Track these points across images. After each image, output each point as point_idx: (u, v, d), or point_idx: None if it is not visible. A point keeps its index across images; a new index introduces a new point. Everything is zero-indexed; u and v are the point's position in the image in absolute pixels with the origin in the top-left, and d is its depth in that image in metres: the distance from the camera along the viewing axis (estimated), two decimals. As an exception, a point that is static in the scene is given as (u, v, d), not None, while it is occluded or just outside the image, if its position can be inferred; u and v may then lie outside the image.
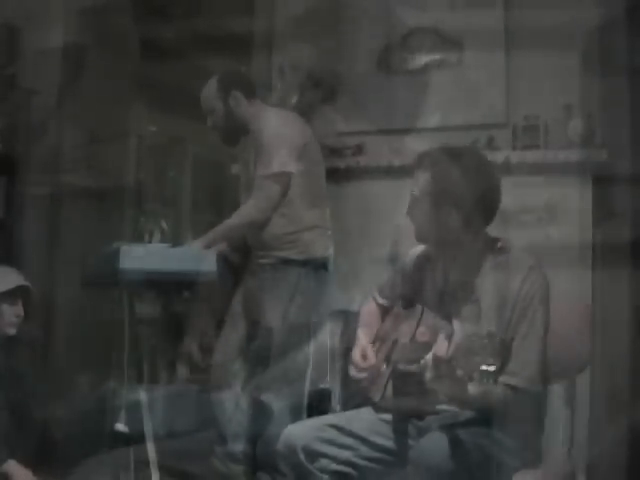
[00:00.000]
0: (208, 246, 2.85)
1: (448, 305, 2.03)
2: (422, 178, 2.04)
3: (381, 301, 2.28)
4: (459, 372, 1.66)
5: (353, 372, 2.13)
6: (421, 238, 2.11)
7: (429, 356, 1.78)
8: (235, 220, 2.94)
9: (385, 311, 2.26)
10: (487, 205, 2.04)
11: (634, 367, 2.66)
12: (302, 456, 1.98)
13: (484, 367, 1.61)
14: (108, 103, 3.61)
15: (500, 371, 1.62)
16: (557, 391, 2.18)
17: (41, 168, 3.45)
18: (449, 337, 1.79)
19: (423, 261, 2.17)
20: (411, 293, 2.14)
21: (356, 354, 2.13)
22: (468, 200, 2.01)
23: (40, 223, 3.43)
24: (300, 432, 2.03)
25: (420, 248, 2.21)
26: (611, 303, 2.87)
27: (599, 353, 2.39)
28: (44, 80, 3.48)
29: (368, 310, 2.30)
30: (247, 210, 2.93)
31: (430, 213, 2.02)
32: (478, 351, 1.63)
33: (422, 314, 2.04)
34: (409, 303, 2.12)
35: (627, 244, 2.77)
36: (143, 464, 2.60)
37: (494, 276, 1.99)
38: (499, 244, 2.04)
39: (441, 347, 1.75)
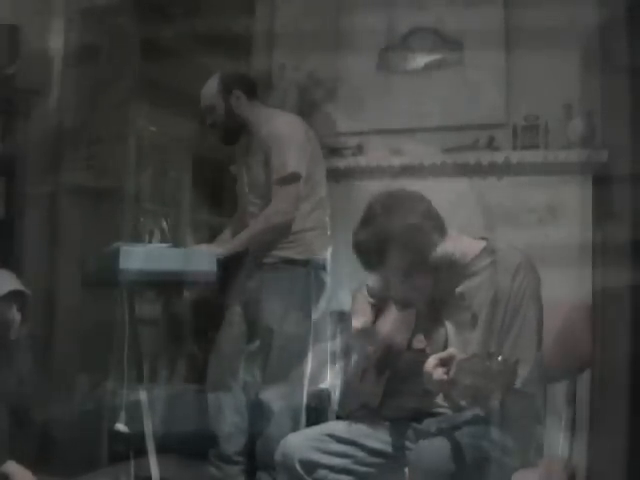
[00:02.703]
0: (234, 252, 2.86)
1: (440, 311, 2.01)
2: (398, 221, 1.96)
3: (371, 300, 2.27)
4: (463, 393, 1.65)
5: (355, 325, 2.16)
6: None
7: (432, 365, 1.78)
8: (259, 226, 2.92)
9: (376, 309, 2.24)
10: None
11: (634, 367, 2.66)
12: (299, 468, 1.98)
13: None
14: (108, 103, 3.61)
15: (505, 394, 1.59)
16: (558, 391, 2.18)
17: (41, 168, 3.45)
18: (444, 347, 1.78)
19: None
20: (401, 297, 2.12)
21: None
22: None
23: (40, 223, 3.43)
24: (296, 444, 2.02)
25: None
26: (611, 303, 2.87)
27: (599, 353, 2.39)
28: (44, 80, 3.48)
29: (359, 305, 2.28)
30: (270, 215, 2.90)
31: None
32: (480, 373, 1.60)
33: (417, 319, 2.03)
34: (404, 306, 2.10)
35: (627, 244, 2.77)
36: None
37: (483, 279, 1.96)
38: (483, 246, 2.01)
39: (440, 368, 1.73)
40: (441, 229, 1.98)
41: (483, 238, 2.04)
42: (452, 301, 2.00)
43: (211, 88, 3.02)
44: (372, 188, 3.37)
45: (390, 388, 2.02)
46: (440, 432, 1.89)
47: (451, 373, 1.68)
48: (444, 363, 1.73)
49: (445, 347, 1.88)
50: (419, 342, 1.89)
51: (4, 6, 3.31)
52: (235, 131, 3.03)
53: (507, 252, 1.98)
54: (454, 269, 1.99)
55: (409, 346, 1.96)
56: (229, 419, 2.95)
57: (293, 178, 2.86)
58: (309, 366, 2.89)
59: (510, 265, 1.93)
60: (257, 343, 2.99)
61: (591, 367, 2.29)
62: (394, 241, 1.91)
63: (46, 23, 3.51)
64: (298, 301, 2.88)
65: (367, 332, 2.18)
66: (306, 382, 2.89)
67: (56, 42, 3.54)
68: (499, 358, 1.61)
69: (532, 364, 1.87)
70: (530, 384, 1.86)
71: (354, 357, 2.22)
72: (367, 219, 1.97)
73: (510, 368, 1.60)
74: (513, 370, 1.60)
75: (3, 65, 3.30)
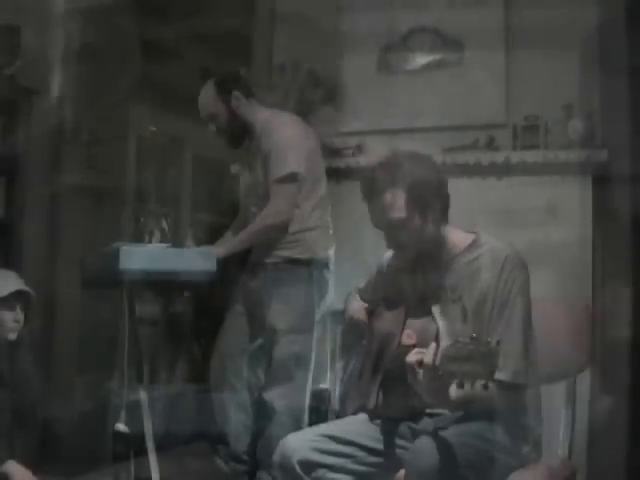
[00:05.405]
0: (232, 253, 2.86)
1: (430, 305, 2.02)
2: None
3: (363, 305, 2.28)
4: (449, 379, 1.66)
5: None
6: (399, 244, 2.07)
7: (414, 358, 1.78)
8: (259, 225, 2.92)
9: (369, 313, 2.25)
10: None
11: (634, 367, 2.67)
12: (298, 468, 1.98)
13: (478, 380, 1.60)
14: (108, 103, 3.61)
15: (490, 376, 1.61)
16: (557, 391, 2.18)
17: (42, 168, 3.45)
18: (435, 341, 1.78)
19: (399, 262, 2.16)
20: (392, 295, 2.13)
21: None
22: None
23: (40, 223, 3.43)
24: (295, 445, 2.02)
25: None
26: (611, 303, 2.87)
27: (599, 353, 2.39)
28: (44, 80, 3.48)
29: (355, 306, 2.28)
30: (269, 214, 2.90)
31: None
32: (465, 358, 1.61)
33: (406, 316, 2.03)
34: (393, 305, 2.11)
35: (627, 244, 2.77)
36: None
37: (471, 272, 1.97)
38: (472, 239, 2.02)
39: (428, 354, 1.73)
40: (445, 207, 2.01)
41: (473, 232, 2.05)
42: (441, 295, 2.00)
43: (208, 95, 2.98)
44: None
45: (385, 387, 2.03)
46: (437, 432, 1.89)
47: (437, 361, 1.69)
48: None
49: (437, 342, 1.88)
50: (409, 338, 1.90)
51: (4, 6, 3.31)
52: (240, 132, 3.01)
53: (494, 246, 1.99)
54: (443, 258, 2.01)
55: (399, 344, 1.96)
56: (234, 418, 2.96)
57: (291, 178, 2.86)
58: (312, 366, 2.89)
59: (497, 259, 1.95)
60: (260, 342, 2.99)
61: (591, 367, 2.29)
62: (405, 174, 1.96)
63: (46, 23, 3.50)
64: (301, 301, 2.88)
65: (360, 321, 2.19)
66: (309, 382, 2.89)
67: (56, 42, 3.54)
68: (483, 342, 1.62)
69: (520, 357, 1.88)
70: (519, 376, 1.87)
71: (352, 358, 2.22)
72: (388, 157, 2.03)
73: (493, 350, 1.61)
74: (496, 351, 1.61)
75: (3, 65, 3.30)
